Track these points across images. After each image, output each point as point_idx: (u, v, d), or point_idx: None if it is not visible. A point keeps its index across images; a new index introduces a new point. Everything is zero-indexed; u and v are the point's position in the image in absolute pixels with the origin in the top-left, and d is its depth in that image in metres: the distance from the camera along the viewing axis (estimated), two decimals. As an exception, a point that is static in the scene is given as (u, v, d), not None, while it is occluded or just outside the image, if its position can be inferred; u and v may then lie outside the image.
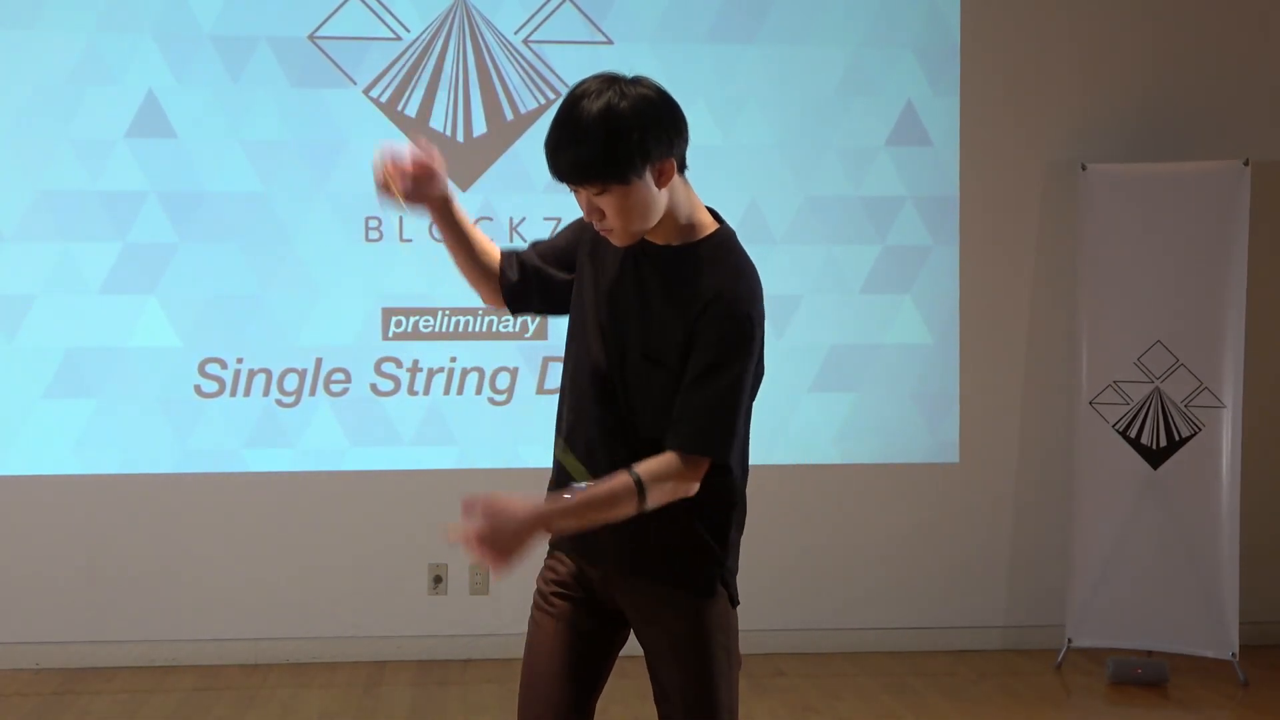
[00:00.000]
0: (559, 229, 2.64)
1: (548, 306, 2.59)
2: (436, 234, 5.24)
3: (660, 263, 2.41)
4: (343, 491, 5.29)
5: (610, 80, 2.31)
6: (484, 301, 2.63)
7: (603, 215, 2.34)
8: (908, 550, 5.51)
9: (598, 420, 2.42)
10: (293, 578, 5.29)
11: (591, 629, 2.50)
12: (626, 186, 2.29)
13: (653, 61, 5.27)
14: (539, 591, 2.55)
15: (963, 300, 5.50)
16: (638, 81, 2.33)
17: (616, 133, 2.25)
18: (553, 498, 2.35)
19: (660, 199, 2.35)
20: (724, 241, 2.44)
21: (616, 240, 2.39)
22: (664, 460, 2.32)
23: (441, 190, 2.52)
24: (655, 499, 2.30)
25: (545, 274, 2.55)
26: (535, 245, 2.60)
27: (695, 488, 2.34)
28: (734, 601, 2.48)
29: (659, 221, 2.38)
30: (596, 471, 2.36)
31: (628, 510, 2.29)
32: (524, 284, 2.56)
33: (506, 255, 2.58)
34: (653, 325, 2.39)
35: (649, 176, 2.31)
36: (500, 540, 2.22)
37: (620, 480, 2.29)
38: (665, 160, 2.32)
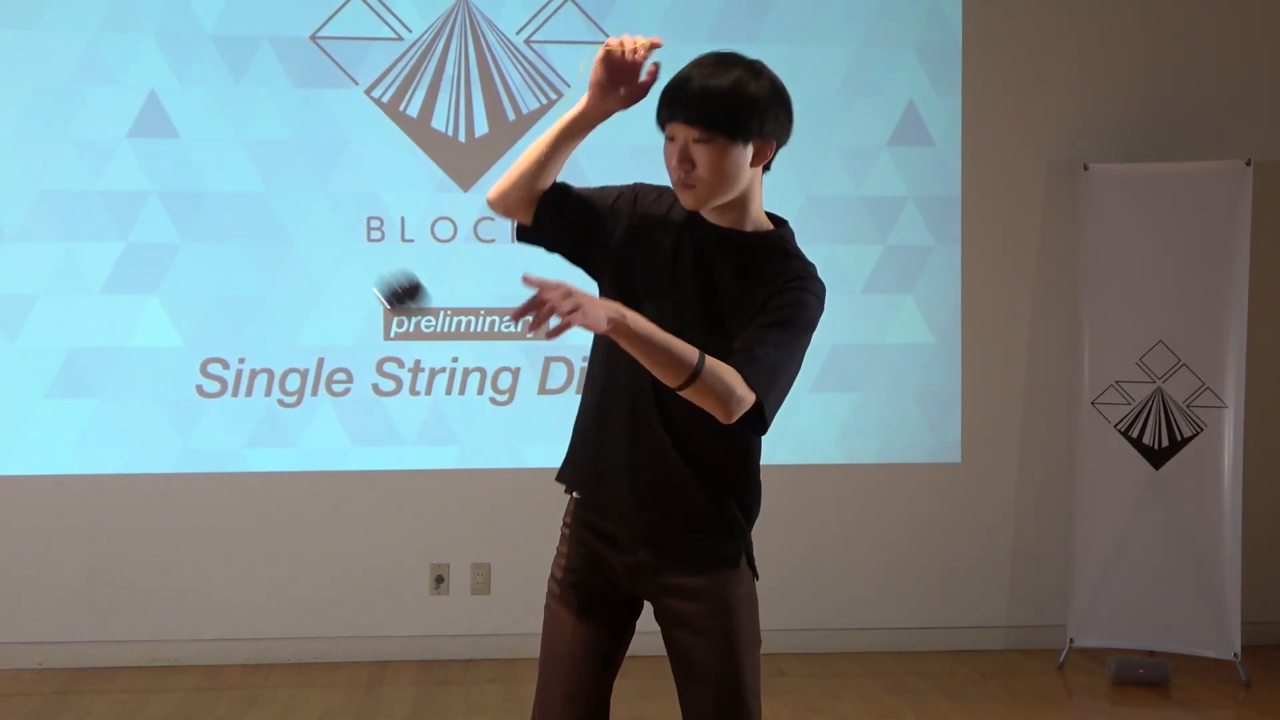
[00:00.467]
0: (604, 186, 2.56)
1: (558, 242, 2.52)
2: (439, 234, 5.28)
3: (732, 245, 2.43)
4: (344, 491, 5.29)
5: (742, 57, 2.41)
6: (503, 207, 2.51)
7: (692, 166, 2.35)
8: (909, 550, 5.51)
9: (653, 387, 2.38)
10: (294, 577, 5.29)
11: (606, 619, 2.51)
12: (731, 144, 2.34)
13: (654, 61, 5.27)
14: (554, 579, 2.56)
15: (964, 300, 5.50)
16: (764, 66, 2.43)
17: (749, 91, 2.35)
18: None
19: (745, 177, 2.40)
20: (792, 240, 2.50)
21: (691, 200, 2.39)
22: (731, 369, 2.28)
23: (619, 105, 2.44)
24: (702, 388, 2.25)
25: (576, 214, 2.49)
26: (586, 190, 2.54)
27: (732, 417, 2.29)
28: (756, 574, 2.52)
29: (732, 206, 2.41)
30: (648, 430, 2.40)
31: (675, 373, 2.24)
32: (559, 210, 2.47)
33: (558, 183, 2.50)
34: (722, 302, 2.40)
35: (751, 148, 2.38)
36: (580, 296, 2.15)
37: (690, 348, 2.25)
38: (770, 141, 2.42)
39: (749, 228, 2.45)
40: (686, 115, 2.34)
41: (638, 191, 2.53)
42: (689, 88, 2.34)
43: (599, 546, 2.51)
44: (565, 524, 2.58)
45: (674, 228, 2.46)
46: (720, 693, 2.44)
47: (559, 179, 2.51)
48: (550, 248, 2.54)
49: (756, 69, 2.41)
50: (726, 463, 2.45)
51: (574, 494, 2.56)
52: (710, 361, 2.26)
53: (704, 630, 2.45)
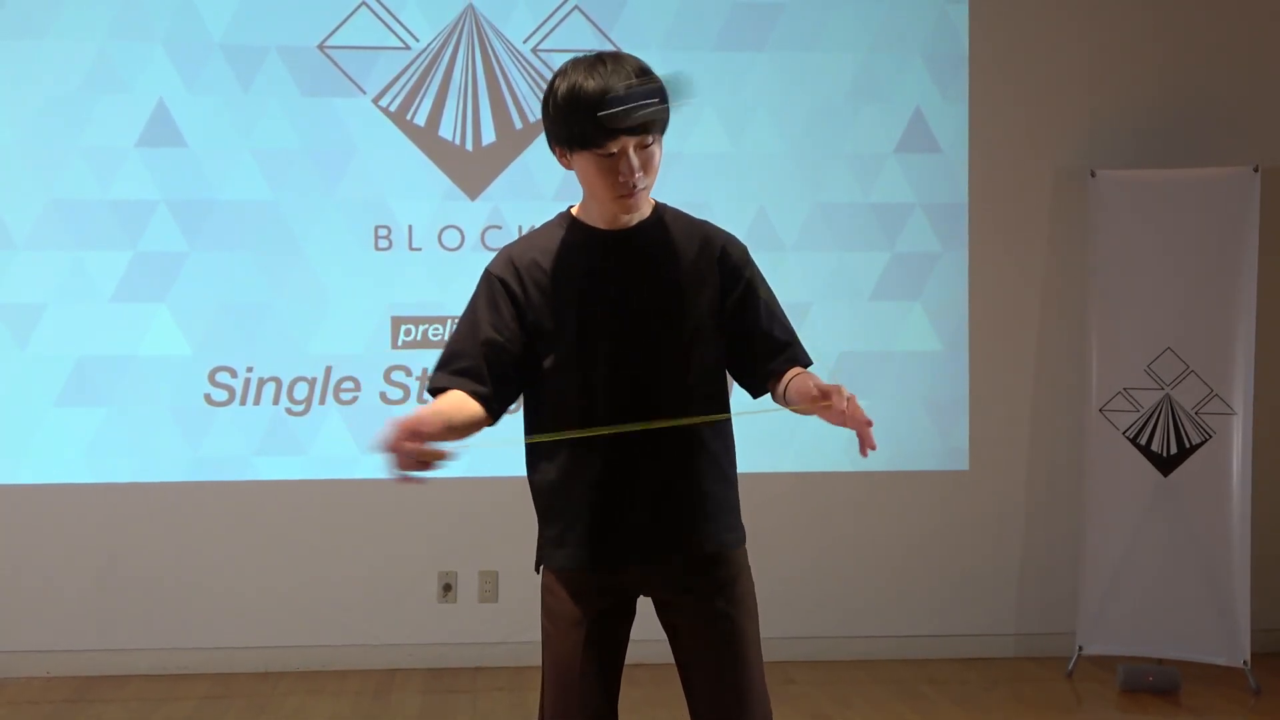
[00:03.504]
0: (475, 315, 2.46)
1: (525, 379, 2.50)
2: (447, 242, 5.29)
3: (646, 239, 2.48)
4: (353, 499, 5.30)
5: (616, 52, 2.45)
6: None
7: (640, 172, 2.37)
8: (918, 557, 5.50)
9: (654, 406, 2.41)
10: (303, 585, 5.30)
11: (609, 633, 2.50)
12: (661, 138, 2.40)
13: (661, 69, 5.24)
14: (554, 610, 2.51)
15: (972, 307, 5.50)
16: None
17: (659, 79, 2.39)
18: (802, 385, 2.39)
19: None
20: (673, 208, 2.56)
21: (633, 205, 2.42)
22: (792, 373, 2.47)
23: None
24: None
25: (504, 354, 2.44)
26: (487, 342, 2.43)
27: None
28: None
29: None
30: (655, 449, 2.41)
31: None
32: (498, 386, 2.44)
33: (462, 381, 2.42)
34: (673, 292, 2.45)
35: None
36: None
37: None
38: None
39: (646, 214, 2.50)
40: (648, 120, 2.34)
41: (503, 275, 2.46)
42: (643, 93, 2.32)
43: (610, 589, 2.50)
44: (555, 599, 2.50)
45: (574, 263, 2.45)
46: (755, 658, 2.50)
47: (461, 362, 2.42)
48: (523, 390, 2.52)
49: (626, 59, 2.41)
50: (714, 441, 2.51)
51: (585, 569, 2.48)
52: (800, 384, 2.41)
53: (734, 599, 2.49)
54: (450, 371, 2.45)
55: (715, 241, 2.52)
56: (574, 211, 2.53)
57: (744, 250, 2.55)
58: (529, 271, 2.46)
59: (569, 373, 2.45)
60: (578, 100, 2.33)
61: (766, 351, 2.50)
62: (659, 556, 2.47)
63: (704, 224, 2.56)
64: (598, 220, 2.48)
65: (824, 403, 2.28)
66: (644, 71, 2.38)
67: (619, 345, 2.43)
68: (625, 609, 2.53)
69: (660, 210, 2.52)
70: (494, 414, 2.47)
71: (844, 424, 2.29)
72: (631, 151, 2.35)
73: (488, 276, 2.49)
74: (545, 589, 2.53)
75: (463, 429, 2.39)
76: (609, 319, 2.43)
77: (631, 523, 2.45)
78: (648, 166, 2.39)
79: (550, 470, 2.50)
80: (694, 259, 2.48)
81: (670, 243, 2.48)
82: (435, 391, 2.45)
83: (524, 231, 5.21)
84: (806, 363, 2.53)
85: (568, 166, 2.43)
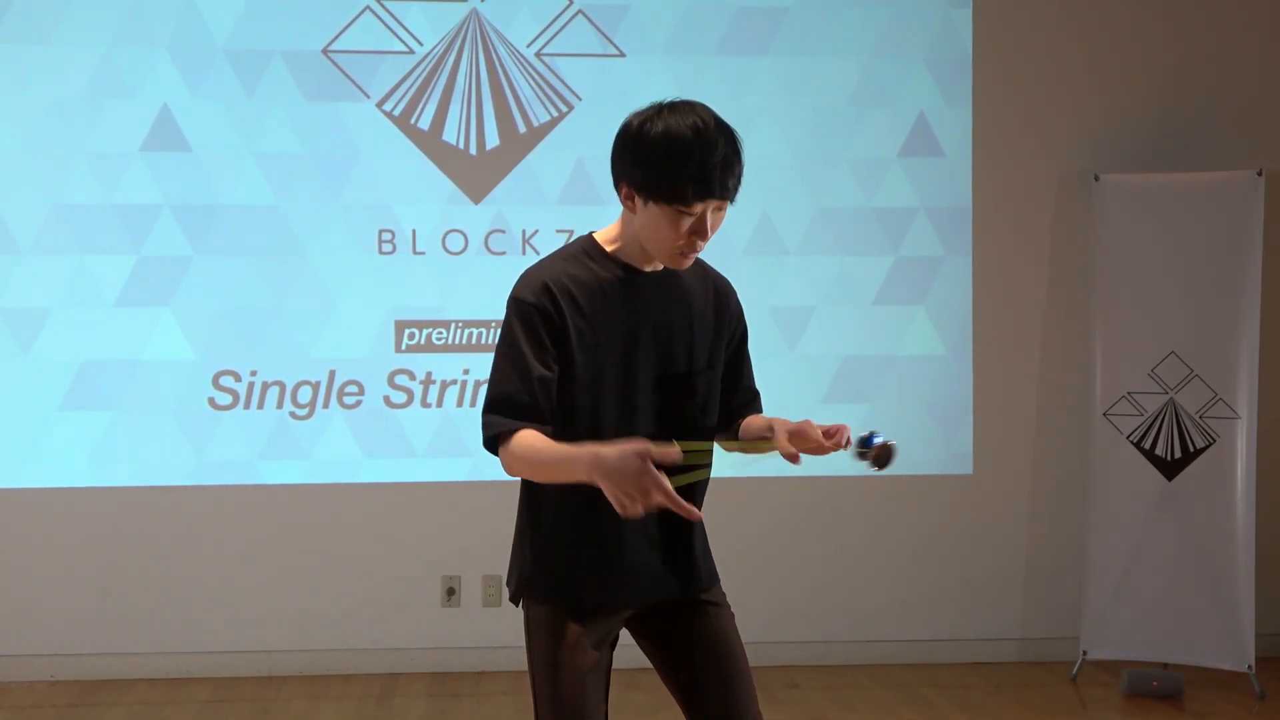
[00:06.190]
0: (520, 351, 2.38)
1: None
2: (450, 246, 5.28)
3: (676, 280, 2.48)
4: (356, 503, 5.30)
5: (704, 107, 2.38)
6: None
7: (702, 235, 2.35)
8: (922, 562, 5.50)
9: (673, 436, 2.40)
10: (306, 589, 5.30)
11: (601, 655, 2.49)
12: None
13: (665, 74, 5.28)
14: (548, 636, 2.46)
15: (976, 311, 5.49)
16: None
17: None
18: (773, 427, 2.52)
19: None
20: None
21: (688, 262, 2.41)
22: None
23: None
24: None
25: (553, 388, 2.40)
26: (540, 380, 2.36)
27: None
28: None
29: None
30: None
31: None
32: (554, 422, 2.41)
33: (530, 424, 2.37)
34: (706, 337, 2.50)
35: None
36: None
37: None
38: None
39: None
40: (724, 194, 2.34)
41: (541, 304, 2.36)
42: (724, 168, 2.30)
43: (613, 620, 2.51)
44: (552, 623, 2.45)
45: (612, 301, 2.41)
46: (744, 651, 2.55)
47: (537, 402, 2.36)
48: None
49: (721, 119, 2.38)
50: (701, 483, 2.57)
51: (585, 608, 2.46)
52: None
53: (717, 599, 2.56)
54: (513, 415, 2.36)
55: (722, 287, 2.57)
56: (602, 242, 2.45)
57: (739, 303, 2.61)
58: (566, 301, 2.38)
59: (607, 412, 2.40)
60: (675, 151, 2.28)
61: (744, 402, 2.63)
62: (659, 598, 2.51)
63: (702, 262, 2.56)
64: (635, 258, 2.43)
65: (813, 445, 2.50)
66: (725, 130, 2.35)
67: (662, 391, 2.43)
68: (614, 633, 2.54)
69: None
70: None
71: (820, 452, 2.53)
72: (710, 213, 2.34)
73: (522, 306, 2.37)
74: (539, 613, 2.48)
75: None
76: (653, 362, 2.43)
77: (636, 568, 2.47)
78: (714, 229, 2.38)
79: (561, 509, 2.46)
80: (709, 303, 2.52)
81: (692, 286, 2.51)
82: (503, 436, 2.37)
83: (526, 235, 5.22)
84: (761, 410, 2.65)
85: (631, 209, 2.37)
